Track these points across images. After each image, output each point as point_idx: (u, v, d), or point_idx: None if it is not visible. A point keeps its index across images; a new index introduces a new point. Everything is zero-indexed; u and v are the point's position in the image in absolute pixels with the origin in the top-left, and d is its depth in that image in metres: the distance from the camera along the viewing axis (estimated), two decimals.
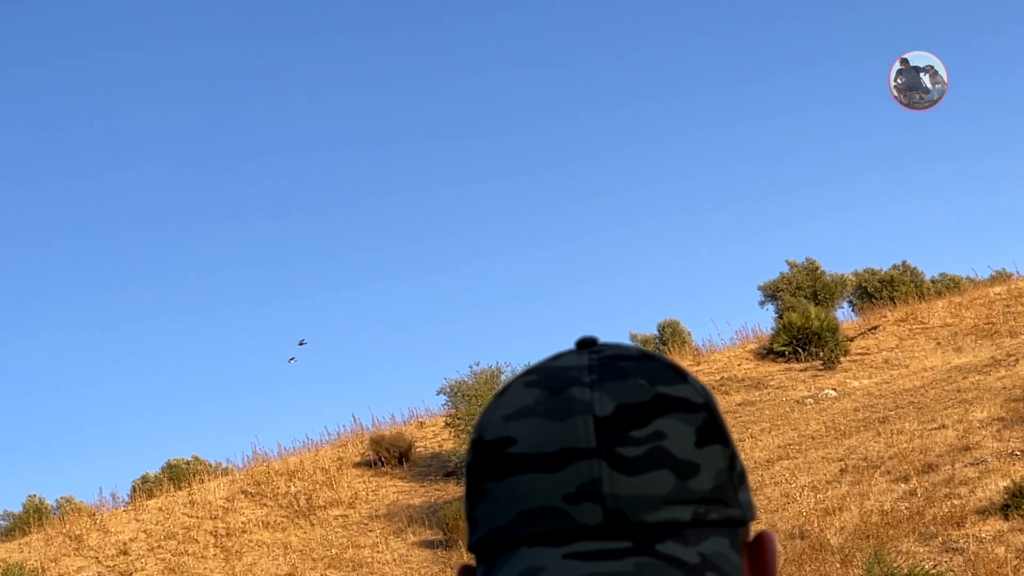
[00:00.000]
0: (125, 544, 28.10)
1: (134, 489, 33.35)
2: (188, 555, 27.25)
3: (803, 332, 31.03)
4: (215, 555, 27.10)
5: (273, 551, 26.69)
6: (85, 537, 28.63)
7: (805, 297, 34.41)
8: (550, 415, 0.98)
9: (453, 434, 28.82)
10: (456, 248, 56.77)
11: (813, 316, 31.40)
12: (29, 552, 27.70)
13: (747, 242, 56.20)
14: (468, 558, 22.84)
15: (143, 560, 27.31)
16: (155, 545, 27.96)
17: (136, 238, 53.66)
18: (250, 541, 27.37)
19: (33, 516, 32.48)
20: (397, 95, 54.95)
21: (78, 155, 53.44)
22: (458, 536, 24.66)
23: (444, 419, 30.24)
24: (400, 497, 28.34)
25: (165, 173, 53.14)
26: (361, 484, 29.56)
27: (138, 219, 53.78)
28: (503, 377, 28.76)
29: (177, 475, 33.53)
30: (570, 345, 1.06)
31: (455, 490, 27.51)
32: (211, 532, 28.16)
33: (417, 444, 31.13)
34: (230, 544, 27.41)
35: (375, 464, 30.34)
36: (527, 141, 55.44)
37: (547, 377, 1.01)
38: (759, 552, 1.02)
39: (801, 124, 55.86)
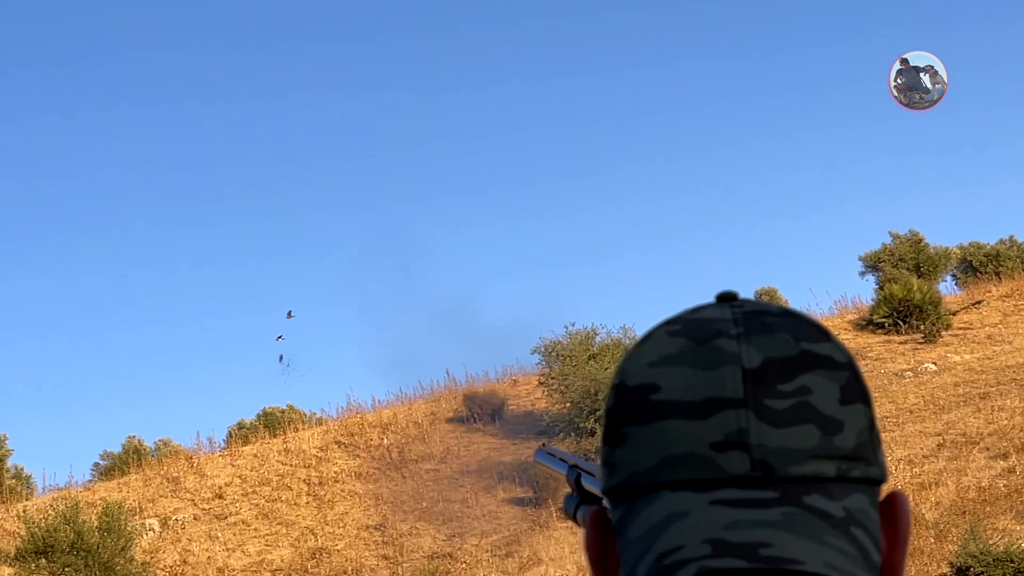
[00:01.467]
0: (220, 488, 28.59)
1: (230, 435, 33.88)
2: (281, 502, 27.66)
3: (904, 304, 30.62)
4: (307, 503, 27.49)
5: (364, 501, 27.00)
6: (182, 479, 29.19)
7: (907, 269, 33.90)
8: (696, 364, 0.98)
9: (546, 393, 28.88)
10: (552, 207, 56.69)
11: (915, 288, 30.95)
12: (128, 492, 28.29)
13: (849, 211, 55.42)
14: (557, 515, 22.88)
15: (237, 504, 27.77)
16: (249, 490, 28.42)
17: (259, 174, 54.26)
18: (342, 491, 27.71)
19: (132, 457, 33.16)
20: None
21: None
22: (548, 494, 24.75)
23: (538, 378, 30.31)
24: (491, 454, 28.49)
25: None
26: (453, 439, 29.76)
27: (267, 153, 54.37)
28: (598, 339, 28.75)
29: (272, 423, 34.00)
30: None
31: None
32: (304, 480, 28.55)
33: (510, 402, 31.24)
34: (322, 493, 27.78)
35: (467, 420, 30.51)
36: (638, 92, 55.10)
37: (691, 327, 1.01)
38: (894, 512, 1.02)
39: None
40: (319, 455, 29.68)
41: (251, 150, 54.53)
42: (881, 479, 1.01)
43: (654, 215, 54.97)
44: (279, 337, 31.89)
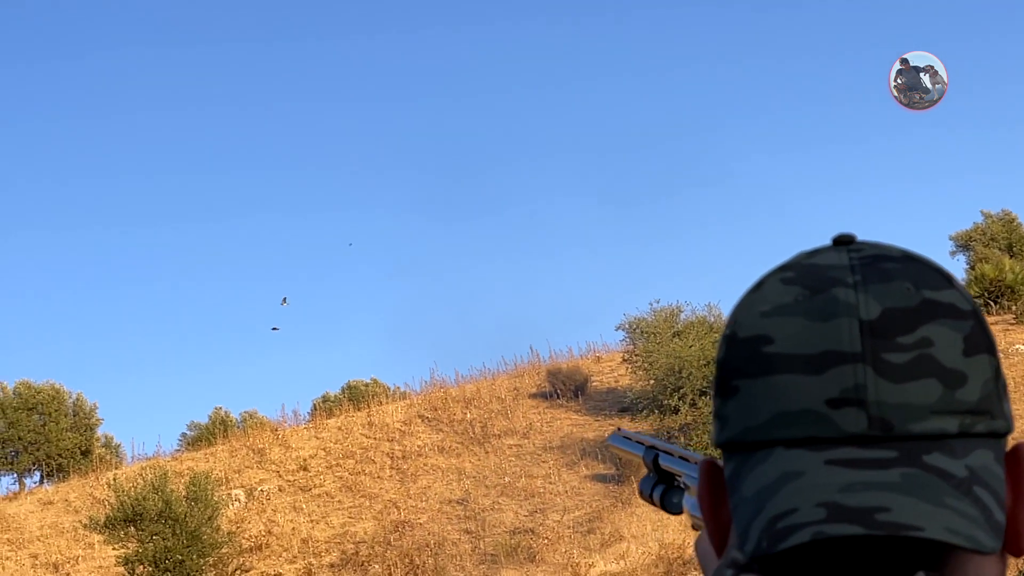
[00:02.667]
0: (305, 460, 28.86)
1: (315, 408, 34.19)
2: (365, 474, 27.86)
3: (996, 285, 30.13)
4: (391, 476, 27.66)
5: (447, 476, 27.12)
6: (267, 451, 29.50)
7: (999, 249, 33.33)
8: (811, 315, 0.94)
9: (630, 370, 28.80)
10: (642, 182, 56.46)
11: (1007, 269, 30.43)
12: (215, 462, 28.65)
13: (940, 190, 54.59)
14: (634, 493, 22.82)
15: (322, 476, 28.02)
16: (333, 463, 28.66)
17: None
18: (425, 465, 27.84)
19: (218, 428, 33.59)
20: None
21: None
22: (630, 472, 24.68)
23: (621, 355, 30.23)
24: (574, 430, 28.47)
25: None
26: (536, 415, 29.78)
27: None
28: (682, 316, 28.60)
29: (356, 396, 34.26)
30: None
31: (629, 425, 27.49)
32: (388, 454, 28.73)
33: (593, 378, 31.20)
34: (405, 466, 27.94)
35: (550, 396, 30.52)
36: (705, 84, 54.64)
37: (806, 275, 0.96)
38: (1020, 465, 0.97)
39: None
40: (403, 429, 29.85)
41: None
42: (1007, 431, 0.96)
43: (743, 191, 54.55)
44: (274, 328, 32.21)
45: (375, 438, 29.62)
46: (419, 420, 30.23)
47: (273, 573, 23.99)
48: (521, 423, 29.32)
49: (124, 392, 51.60)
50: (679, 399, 25.55)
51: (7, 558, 25.69)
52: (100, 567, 24.42)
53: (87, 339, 53.07)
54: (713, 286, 56.60)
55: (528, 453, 27.63)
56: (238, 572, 22.14)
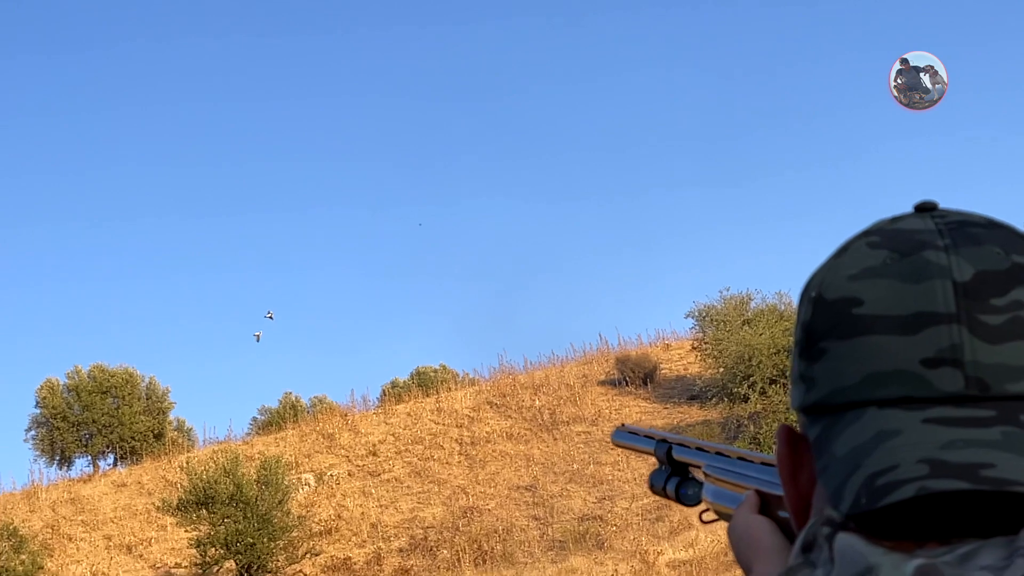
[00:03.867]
0: (374, 445, 29.01)
1: (384, 393, 34.36)
2: (434, 460, 27.96)
3: None
4: (459, 462, 27.73)
5: (516, 462, 27.14)
6: (337, 436, 29.68)
7: None
8: (902, 277, 0.94)
9: (699, 358, 28.67)
10: (713, 168, 56.14)
11: None
12: (285, 446, 28.88)
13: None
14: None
15: (391, 462, 28.15)
16: (402, 448, 28.78)
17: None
18: (494, 451, 27.89)
19: (288, 412, 33.85)
20: None
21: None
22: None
23: (691, 343, 30.10)
24: (643, 417, 28.39)
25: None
26: (604, 402, 29.73)
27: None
28: (752, 304, 28.41)
29: (425, 382, 34.38)
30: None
31: (698, 413, 27.41)
32: (456, 440, 28.80)
33: (662, 366, 31.10)
34: (474, 452, 28.00)
35: (619, 383, 30.46)
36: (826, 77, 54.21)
37: (893, 239, 0.96)
38: None
39: None
40: (471, 415, 29.91)
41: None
42: None
43: (812, 180, 54.05)
44: (257, 334, 32.66)
45: (444, 424, 29.70)
46: (488, 406, 30.28)
47: (342, 557, 24.14)
48: (590, 410, 29.29)
49: (196, 377, 52.16)
50: (748, 387, 25.38)
51: (82, 539, 26.06)
52: (173, 549, 24.70)
53: (161, 325, 53.68)
54: (783, 274, 56.15)
55: (596, 440, 27.59)
56: (308, 556, 22.30)
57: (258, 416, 34.89)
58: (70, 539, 26.05)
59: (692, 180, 55.32)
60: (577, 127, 55.71)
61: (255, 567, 21.64)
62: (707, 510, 1.59)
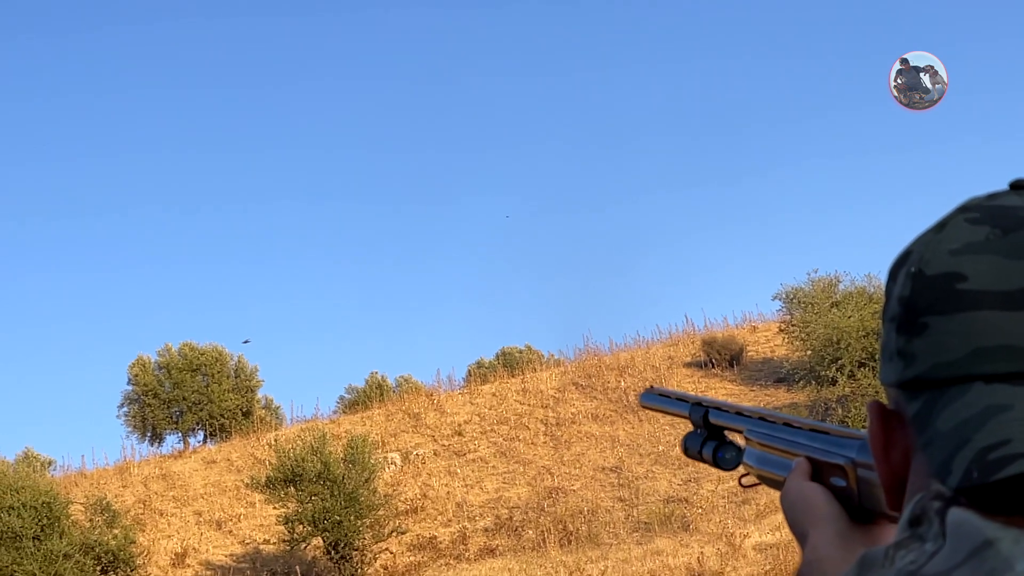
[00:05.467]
0: (460, 425, 29.12)
1: (469, 373, 34.48)
2: (519, 440, 28.01)
3: None
4: (544, 443, 27.77)
5: (601, 443, 27.12)
6: (423, 415, 29.83)
7: None
8: (1008, 253, 0.94)
9: (786, 340, 28.43)
10: (797, 148, 55.59)
11: None
12: (371, 425, 29.08)
13: None
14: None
15: (476, 442, 28.25)
16: (488, 428, 28.87)
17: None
18: (579, 432, 27.88)
19: (374, 392, 34.09)
20: None
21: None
22: None
23: (778, 325, 29.86)
24: (728, 399, 28.18)
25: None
26: (690, 384, 29.59)
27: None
28: (841, 286, 28.11)
29: (510, 363, 34.46)
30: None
31: (785, 396, 27.19)
32: (542, 420, 28.83)
33: (749, 348, 30.89)
34: (559, 433, 28.01)
35: (705, 365, 30.31)
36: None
37: (993, 215, 0.96)
38: None
39: None
40: (556, 396, 29.92)
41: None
42: None
43: (905, 162, 53.32)
44: (245, 341, 33.43)
45: (529, 404, 29.74)
46: (573, 387, 30.28)
47: (428, 536, 24.29)
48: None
49: (284, 356, 52.66)
50: (837, 370, 25.12)
51: (173, 514, 26.46)
52: (261, 525, 25.00)
53: (249, 304, 54.28)
54: (872, 256, 55.47)
55: (682, 422, 27.35)
56: (394, 534, 22.46)
57: (345, 395, 35.21)
58: (161, 514, 26.47)
59: (780, 162, 54.82)
60: (667, 110, 55.44)
61: (342, 544, 21.83)
62: (746, 475, 1.59)
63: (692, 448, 1.78)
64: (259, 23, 54.08)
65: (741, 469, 1.62)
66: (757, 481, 1.55)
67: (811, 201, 55.85)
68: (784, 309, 28.90)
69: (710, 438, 1.74)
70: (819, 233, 53.75)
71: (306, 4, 53.28)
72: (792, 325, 27.76)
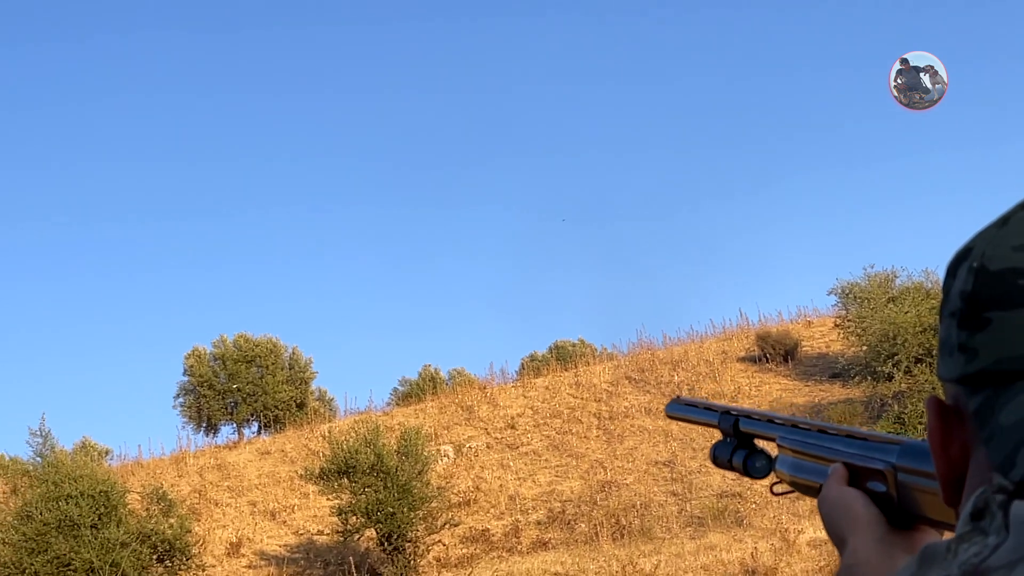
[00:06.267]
0: (513, 418, 29.13)
1: (522, 366, 34.49)
2: (572, 434, 27.99)
3: None
4: (597, 436, 27.72)
5: (654, 437, 27.04)
6: (476, 408, 29.87)
7: None
8: None
9: (841, 336, 28.23)
10: (855, 144, 55.18)
11: None
12: (424, 418, 29.15)
13: None
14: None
15: (529, 435, 28.25)
16: (541, 422, 28.86)
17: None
18: (632, 426, 27.82)
19: (428, 384, 34.18)
20: None
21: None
22: None
23: (833, 320, 29.66)
24: (783, 394, 28.07)
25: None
26: (744, 379, 29.46)
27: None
28: (898, 281, 27.86)
29: (563, 356, 34.43)
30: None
31: (841, 391, 27.01)
32: (594, 414, 28.79)
33: (803, 343, 30.70)
34: (612, 427, 27.96)
35: (759, 360, 30.15)
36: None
37: None
38: None
39: None
40: (609, 389, 29.87)
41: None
42: None
43: (964, 158, 52.81)
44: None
45: (582, 398, 29.71)
46: (626, 381, 30.21)
47: (481, 528, 24.32)
48: (729, 386, 29.04)
49: (338, 348, 52.92)
50: (893, 366, 24.91)
51: (227, 504, 26.65)
52: (315, 516, 25.13)
53: (305, 297, 54.62)
54: (929, 252, 55.01)
55: None
56: (447, 526, 22.49)
57: (398, 387, 35.31)
58: (216, 504, 26.66)
59: (838, 158, 54.46)
60: (721, 108, 55.21)
61: (395, 536, 21.89)
62: (778, 482, 1.58)
63: (722, 457, 1.78)
64: (309, 33, 54.37)
65: (772, 477, 1.62)
66: (789, 489, 1.55)
67: (868, 196, 55.46)
68: (840, 304, 28.70)
69: (740, 447, 1.74)
70: (876, 228, 53.39)
71: (354, 13, 53.54)
72: (848, 320, 27.56)
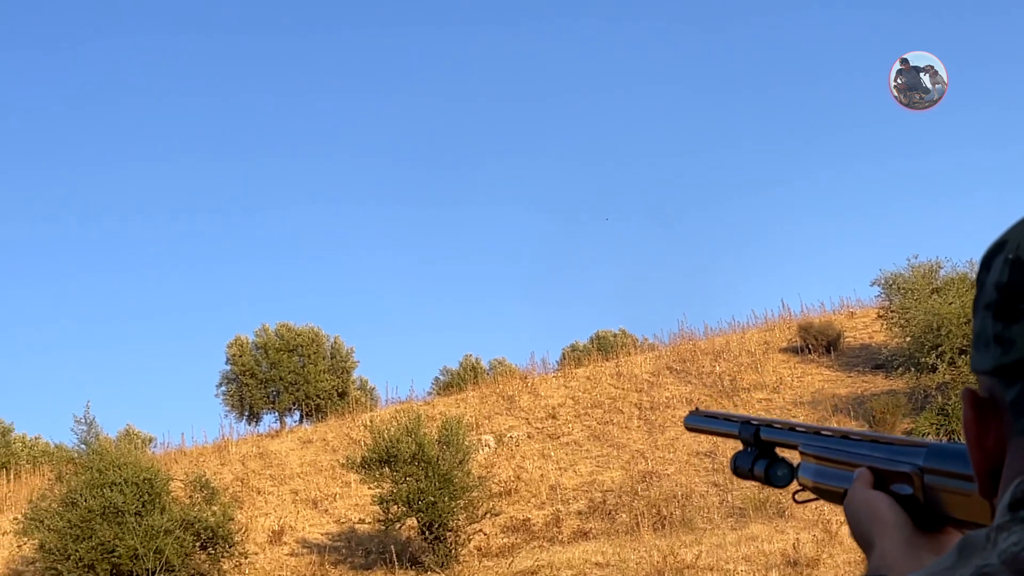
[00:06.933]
0: (554, 408, 29.12)
1: (563, 357, 34.47)
2: (612, 424, 27.95)
3: None
4: (638, 427, 27.67)
5: None
6: (517, 398, 29.88)
7: None
8: None
9: (885, 327, 28.06)
10: (898, 136, 54.78)
11: None
12: (465, 407, 29.18)
13: None
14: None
15: (570, 425, 28.24)
16: (581, 412, 28.83)
17: None
18: (673, 416, 27.74)
19: (469, 374, 34.24)
20: None
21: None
22: (884, 429, 24.07)
23: (876, 311, 29.48)
24: (825, 385, 27.93)
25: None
26: (786, 369, 29.33)
27: None
28: (942, 272, 27.67)
29: (605, 346, 34.40)
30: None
31: (884, 383, 26.84)
32: (636, 404, 28.74)
33: (846, 334, 30.52)
34: (653, 417, 27.90)
35: (801, 351, 30.00)
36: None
37: None
38: None
39: None
40: (650, 380, 29.81)
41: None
42: None
43: (1009, 152, 52.36)
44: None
45: (623, 388, 29.66)
46: (667, 371, 30.14)
47: (521, 518, 24.33)
48: (771, 377, 28.93)
49: (379, 338, 53.09)
50: (937, 357, 24.74)
51: (270, 492, 26.78)
52: (356, 505, 25.21)
53: (347, 288, 54.83)
54: (973, 243, 54.57)
55: (778, 407, 27.25)
56: (488, 515, 22.52)
57: (440, 377, 35.37)
58: (259, 492, 26.80)
59: (880, 149, 54.10)
60: (770, 99, 54.96)
61: (436, 525, 21.93)
62: (800, 490, 1.59)
63: (743, 467, 1.78)
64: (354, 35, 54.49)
65: (794, 486, 1.62)
66: (813, 496, 1.55)
67: (912, 187, 55.08)
68: (883, 295, 28.53)
69: (761, 456, 1.75)
70: (920, 219, 53.04)
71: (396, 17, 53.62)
72: (891, 311, 27.40)
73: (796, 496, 1.62)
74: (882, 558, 1.23)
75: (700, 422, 1.98)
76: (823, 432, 1.55)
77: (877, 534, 1.26)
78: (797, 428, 1.64)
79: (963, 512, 1.22)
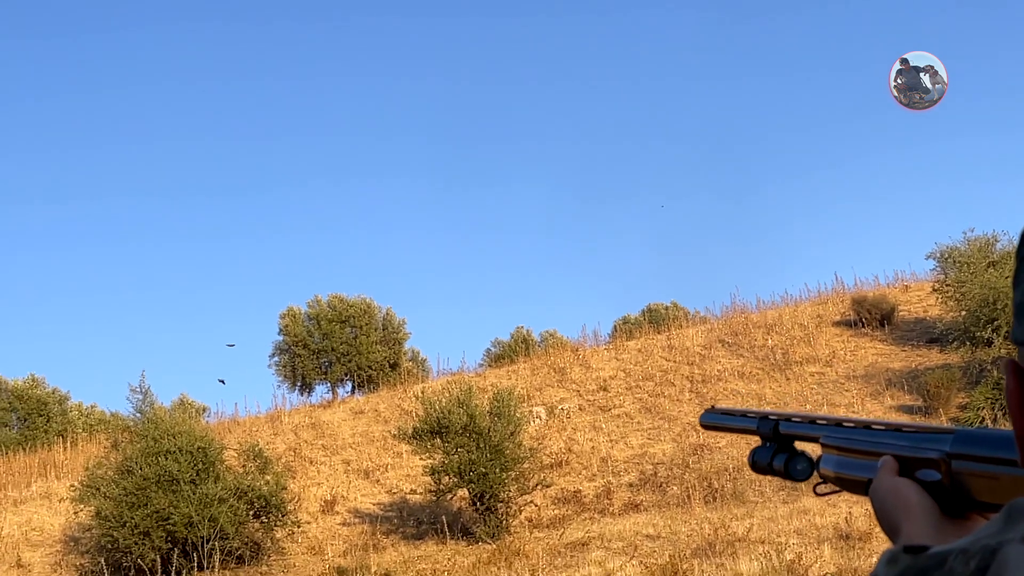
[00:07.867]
0: (605, 381, 29.11)
1: (615, 329, 34.44)
2: (664, 397, 27.90)
3: None
4: (690, 399, 27.61)
5: (747, 401, 26.86)
6: (568, 370, 29.88)
7: None
8: None
9: (940, 300, 27.81)
10: (957, 115, 54.23)
11: None
12: (516, 379, 29.22)
13: None
14: (949, 423, 22.10)
15: (621, 397, 28.22)
16: (633, 384, 28.80)
17: None
18: (724, 389, 27.66)
19: (520, 346, 34.28)
20: None
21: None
22: (939, 404, 23.90)
23: (931, 284, 29.22)
24: (879, 359, 27.74)
25: None
26: (839, 343, 29.14)
27: None
28: (999, 245, 27.39)
29: (656, 319, 34.33)
30: None
31: (938, 357, 26.62)
32: (687, 377, 28.67)
33: (900, 308, 30.29)
34: (704, 390, 27.83)
35: (855, 324, 29.80)
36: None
37: None
38: None
39: None
40: (702, 353, 29.72)
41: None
42: None
43: None
44: (231, 344, 34.63)
45: (675, 361, 29.59)
46: (719, 345, 30.03)
47: (572, 490, 24.36)
48: (824, 351, 28.76)
49: (431, 310, 53.28)
50: (992, 331, 24.51)
51: (322, 463, 26.96)
52: (408, 475, 25.34)
53: (400, 261, 55.01)
54: None
55: (831, 381, 27.10)
56: (539, 487, 22.56)
57: (491, 348, 35.44)
58: (311, 462, 26.98)
59: (937, 128, 53.57)
60: (829, 78, 54.52)
61: (487, 496, 22.00)
62: (821, 482, 1.58)
63: (762, 462, 1.77)
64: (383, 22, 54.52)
65: (815, 479, 1.61)
66: (835, 489, 1.55)
67: (968, 162, 54.52)
68: (938, 268, 28.29)
69: (780, 450, 1.74)
70: (976, 192, 52.52)
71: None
72: (947, 285, 27.15)
73: (817, 488, 1.62)
74: (909, 541, 1.23)
75: (717, 419, 1.97)
76: (845, 423, 1.54)
77: (904, 520, 1.26)
78: (818, 421, 1.63)
79: (992, 495, 1.21)
